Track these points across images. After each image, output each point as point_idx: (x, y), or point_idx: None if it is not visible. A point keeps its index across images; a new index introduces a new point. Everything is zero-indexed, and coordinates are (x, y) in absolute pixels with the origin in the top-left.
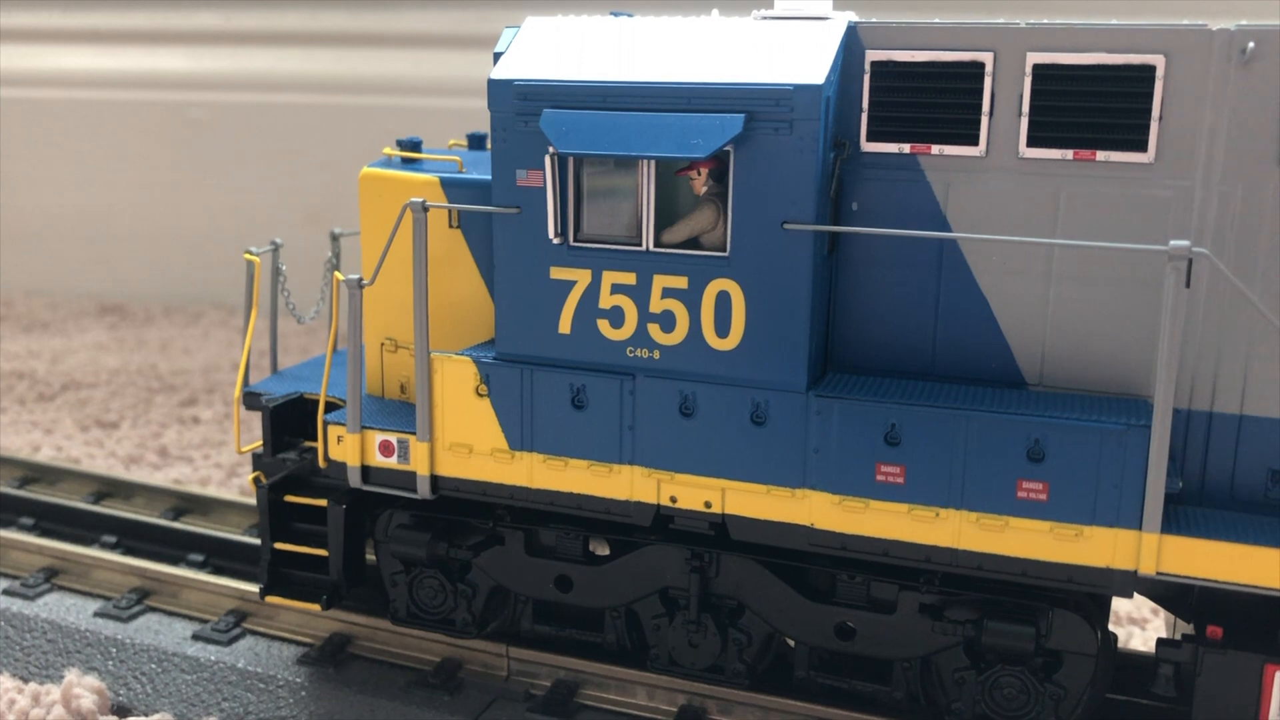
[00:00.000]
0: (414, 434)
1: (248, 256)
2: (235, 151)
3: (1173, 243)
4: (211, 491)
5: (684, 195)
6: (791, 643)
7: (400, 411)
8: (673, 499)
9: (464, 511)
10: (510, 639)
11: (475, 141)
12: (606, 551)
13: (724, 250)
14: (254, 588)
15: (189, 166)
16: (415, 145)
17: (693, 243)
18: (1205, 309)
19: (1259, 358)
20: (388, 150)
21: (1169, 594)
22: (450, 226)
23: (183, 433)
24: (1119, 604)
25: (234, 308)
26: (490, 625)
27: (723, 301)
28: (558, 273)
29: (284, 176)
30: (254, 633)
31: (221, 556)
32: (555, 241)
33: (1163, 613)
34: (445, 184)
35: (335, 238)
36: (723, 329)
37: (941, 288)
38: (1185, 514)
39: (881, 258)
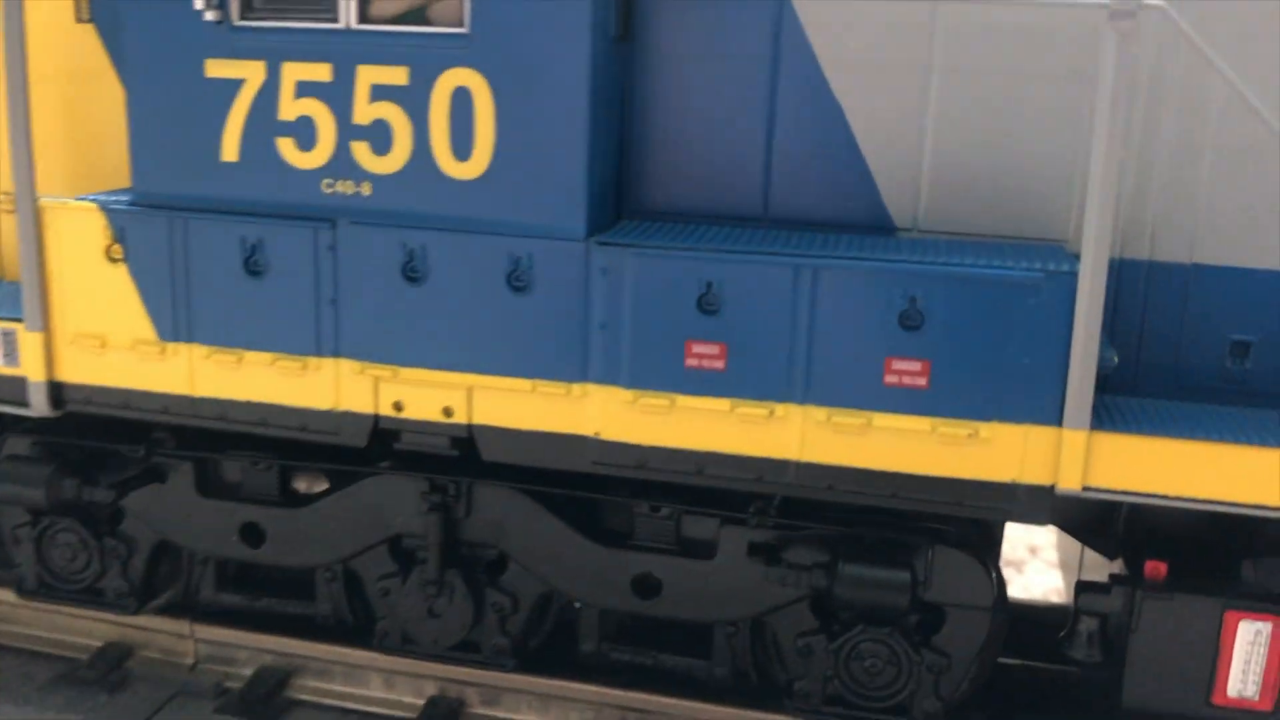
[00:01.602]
0: (21, 322)
1: None
2: None
3: None
4: None
5: None
6: (577, 605)
7: (10, 295)
8: (397, 405)
9: (109, 435)
10: (195, 614)
11: None
12: (323, 487)
13: (461, 24)
14: None
15: None
16: None
17: (416, 15)
18: (1146, 113)
19: (1222, 180)
20: None
21: (1085, 520)
22: (79, 20)
23: None
24: None
25: None
26: (160, 596)
27: (461, 104)
28: (216, 68)
29: None
30: None
31: None
32: (209, 18)
33: (1049, 550)
34: None
35: None
36: (462, 147)
37: (779, 92)
38: (1119, 405)
39: (694, 50)
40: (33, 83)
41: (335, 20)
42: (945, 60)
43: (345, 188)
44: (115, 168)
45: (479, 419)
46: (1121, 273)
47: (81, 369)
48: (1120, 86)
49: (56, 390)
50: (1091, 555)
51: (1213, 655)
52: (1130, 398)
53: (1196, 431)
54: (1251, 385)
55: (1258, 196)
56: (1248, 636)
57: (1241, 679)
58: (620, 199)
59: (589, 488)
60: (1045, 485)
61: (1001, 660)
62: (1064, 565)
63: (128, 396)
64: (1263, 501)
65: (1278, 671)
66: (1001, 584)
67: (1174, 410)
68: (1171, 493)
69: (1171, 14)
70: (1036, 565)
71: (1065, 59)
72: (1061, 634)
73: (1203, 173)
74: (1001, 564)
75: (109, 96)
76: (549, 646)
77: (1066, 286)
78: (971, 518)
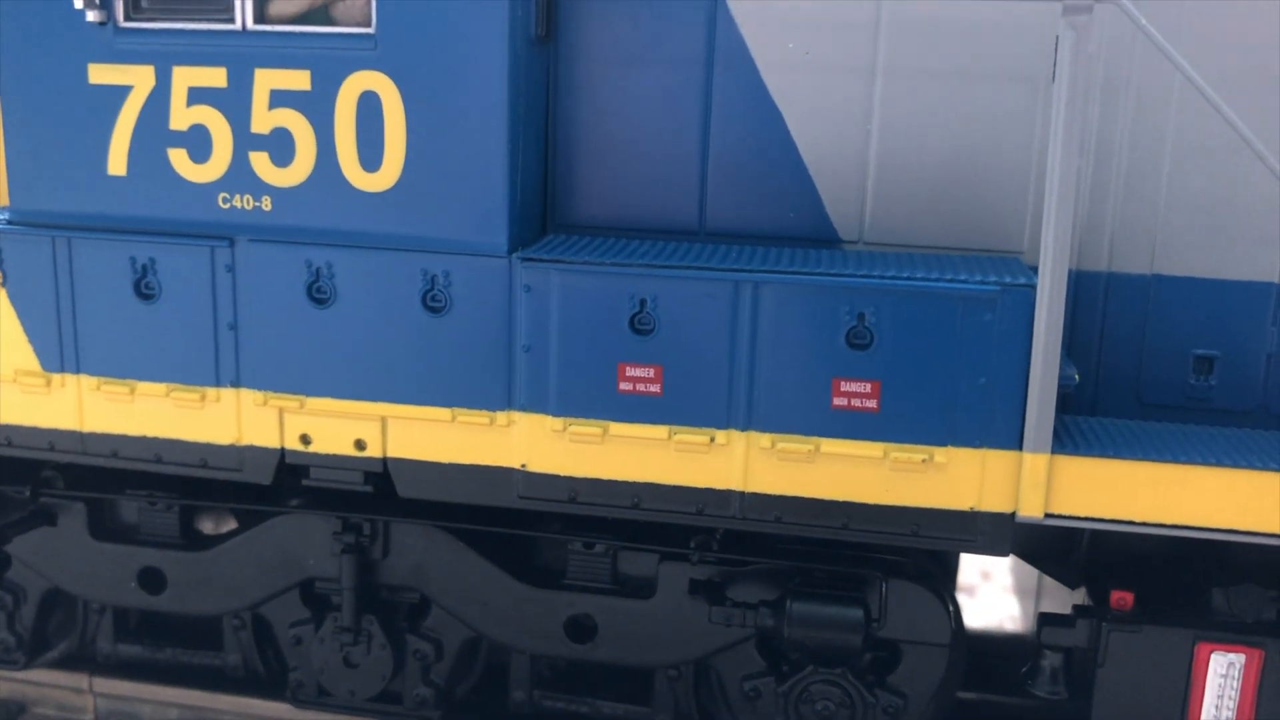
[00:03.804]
0: None
1: None
2: None
3: None
4: None
5: None
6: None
7: None
8: (305, 438)
9: None
10: (93, 666)
11: None
12: (232, 527)
13: (368, 24)
14: None
15: None
16: None
17: (319, 15)
18: (1102, 118)
19: (1182, 186)
20: None
21: (1045, 548)
22: None
23: None
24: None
25: None
26: (54, 648)
27: (369, 110)
28: (100, 74)
29: None
30: None
31: None
32: (92, 20)
33: (1004, 574)
34: None
35: None
36: (371, 157)
37: (714, 97)
38: (1079, 426)
39: (623, 52)
40: None
41: (230, 21)
42: (891, 61)
43: (244, 202)
44: None
45: (394, 452)
46: (1079, 285)
47: None
48: (1076, 85)
49: None
50: (1051, 580)
51: (1184, 689)
52: (1090, 417)
53: (1163, 453)
54: (1216, 402)
55: (1222, 201)
56: (1220, 669)
57: (1215, 714)
58: (546, 211)
59: (517, 524)
60: (1006, 513)
61: (959, 695)
62: (1019, 590)
63: (10, 433)
64: (1234, 526)
65: (1252, 706)
66: (959, 617)
67: (1138, 430)
68: (1139, 518)
69: (1129, 8)
70: (990, 590)
71: (1018, 59)
72: (1024, 669)
73: (1163, 177)
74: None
75: None
76: (477, 695)
77: (1024, 300)
78: (928, 549)
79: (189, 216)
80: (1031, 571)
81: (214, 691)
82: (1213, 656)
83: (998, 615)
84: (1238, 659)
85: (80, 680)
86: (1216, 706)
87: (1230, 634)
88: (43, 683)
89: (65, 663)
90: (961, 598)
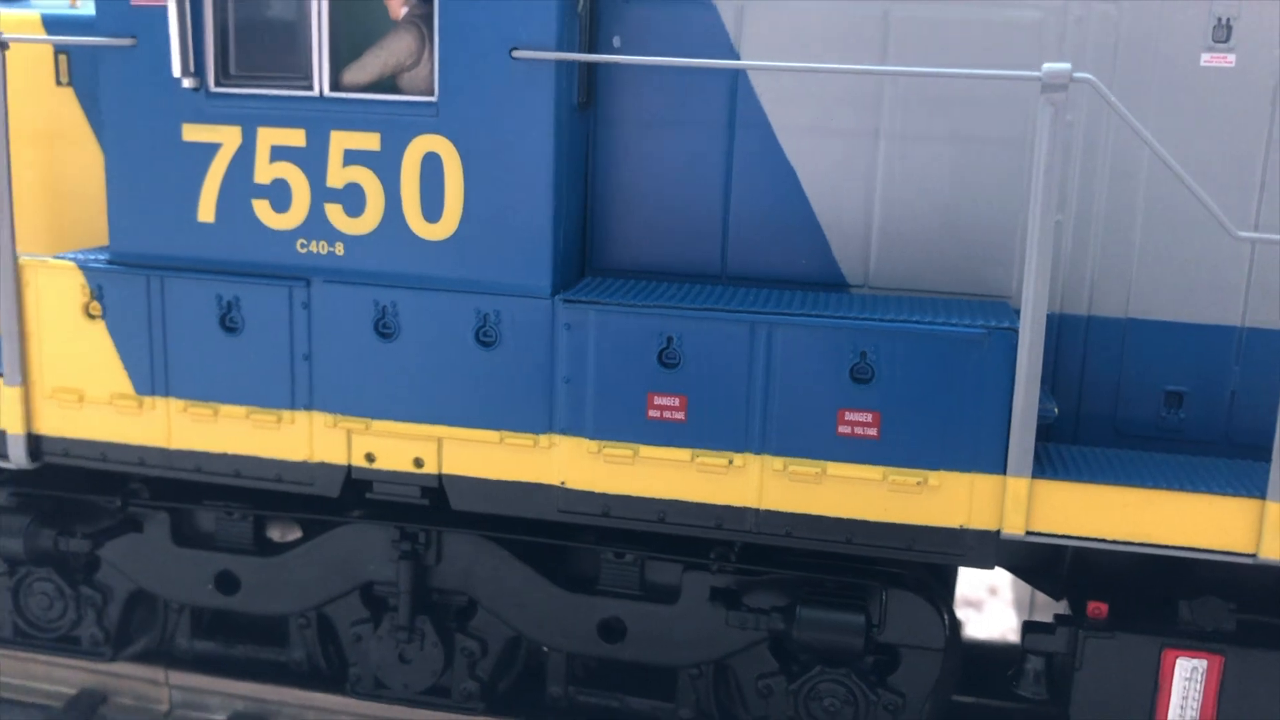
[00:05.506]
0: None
1: None
2: None
3: (1047, 66)
4: None
5: (375, 18)
6: (545, 649)
7: None
8: (369, 457)
9: (84, 486)
10: (170, 660)
11: None
12: (296, 536)
13: (431, 94)
14: None
15: None
16: None
17: (387, 84)
18: (1082, 177)
19: (1153, 239)
20: None
21: (1033, 564)
22: (59, 84)
23: None
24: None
25: None
26: (136, 643)
27: (431, 169)
28: (194, 133)
29: None
30: None
31: None
32: (187, 86)
33: (1007, 590)
34: (49, 23)
35: None
36: (432, 209)
37: (735, 156)
38: (1061, 453)
39: (654, 116)
40: (13, 143)
41: (309, 88)
42: (893, 127)
43: (319, 248)
44: (93, 227)
45: (449, 469)
46: (1062, 327)
47: (60, 422)
48: (1054, 153)
49: (35, 443)
50: (1044, 595)
51: (1152, 691)
52: (1071, 446)
53: (1133, 478)
54: (1185, 433)
55: (1189, 254)
56: (1185, 673)
57: (1180, 714)
58: (584, 257)
59: (556, 535)
60: (991, 530)
61: (956, 698)
62: (1021, 605)
63: (105, 449)
64: (1197, 544)
65: (1214, 707)
66: (954, 625)
67: (1112, 458)
68: (1110, 536)
69: (1100, 87)
70: (995, 605)
71: (1006, 125)
72: (1010, 672)
73: (1136, 233)
74: (961, 604)
75: (87, 157)
76: (517, 690)
77: (1008, 341)
78: (923, 562)
79: (270, 260)
80: (1029, 588)
81: (279, 685)
82: (1178, 662)
83: (1001, 627)
84: (1200, 664)
85: (157, 673)
86: (1181, 707)
87: (1194, 641)
88: (123, 674)
89: (144, 656)
90: (969, 611)
